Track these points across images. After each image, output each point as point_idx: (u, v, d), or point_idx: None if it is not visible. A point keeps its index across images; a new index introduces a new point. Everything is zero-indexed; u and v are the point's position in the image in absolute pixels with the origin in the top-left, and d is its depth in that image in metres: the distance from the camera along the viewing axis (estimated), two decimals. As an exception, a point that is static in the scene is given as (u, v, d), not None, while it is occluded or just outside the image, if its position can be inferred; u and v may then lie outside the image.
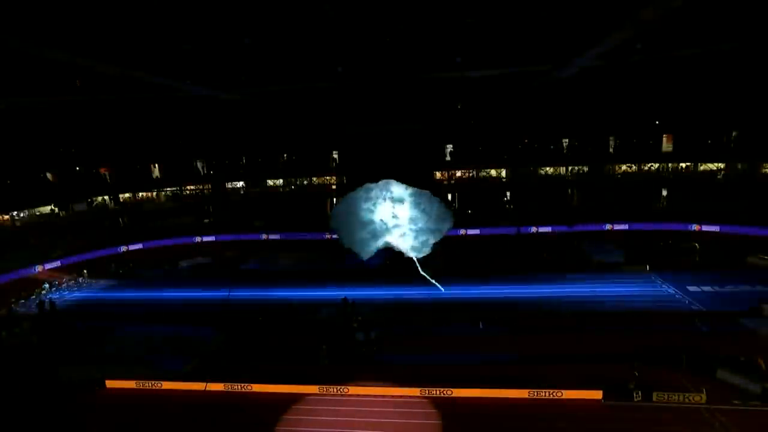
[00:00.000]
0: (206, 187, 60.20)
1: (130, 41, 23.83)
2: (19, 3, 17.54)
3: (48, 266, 43.29)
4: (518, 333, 25.81)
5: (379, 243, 23.10)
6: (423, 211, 25.03)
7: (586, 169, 55.69)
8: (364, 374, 22.24)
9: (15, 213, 47.17)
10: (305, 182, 60.51)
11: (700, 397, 18.85)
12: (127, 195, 56.76)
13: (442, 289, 26.31)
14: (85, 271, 42.02)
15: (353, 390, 20.88)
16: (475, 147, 57.58)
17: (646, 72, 37.31)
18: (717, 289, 30.85)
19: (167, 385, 22.18)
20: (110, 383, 22.60)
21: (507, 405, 19.41)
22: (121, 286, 38.99)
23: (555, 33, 25.98)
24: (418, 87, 40.25)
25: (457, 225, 49.63)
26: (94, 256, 46.39)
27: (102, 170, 55.48)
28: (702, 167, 51.96)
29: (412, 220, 24.83)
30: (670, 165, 52.83)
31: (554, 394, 19.68)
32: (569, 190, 55.79)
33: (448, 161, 57.62)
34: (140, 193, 58.00)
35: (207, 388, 21.81)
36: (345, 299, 29.73)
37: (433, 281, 25.04)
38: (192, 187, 60.04)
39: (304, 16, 22.02)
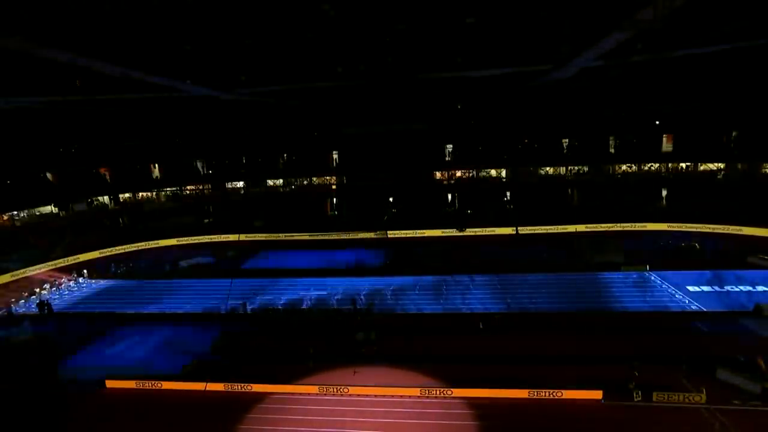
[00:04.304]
0: (206, 187, 60.23)
1: (130, 41, 23.81)
2: (19, 3, 17.53)
3: (48, 266, 43.32)
4: (518, 333, 25.82)
5: None
6: None
7: (586, 169, 55.72)
8: (364, 374, 22.26)
9: (15, 213, 47.19)
10: (305, 182, 60.55)
11: (700, 397, 18.86)
12: (127, 195, 56.82)
13: None
14: (85, 271, 42.03)
15: (353, 390, 20.89)
16: (475, 147, 57.62)
17: (646, 72, 37.25)
18: (717, 289, 30.87)
19: (167, 385, 22.18)
20: (110, 383, 22.59)
21: (507, 405, 19.42)
22: (121, 287, 39.01)
23: (555, 33, 25.96)
24: (418, 87, 40.16)
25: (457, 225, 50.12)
26: (94, 256, 46.49)
27: (102, 170, 55.53)
28: (702, 167, 52.00)
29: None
30: (670, 165, 52.88)
31: (554, 394, 19.67)
32: (569, 190, 55.80)
33: (448, 161, 57.66)
34: (140, 193, 58.04)
35: (207, 388, 21.81)
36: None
37: None
38: (192, 187, 60.07)
39: (304, 16, 22.00)
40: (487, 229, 49.52)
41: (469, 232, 49.28)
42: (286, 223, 53.91)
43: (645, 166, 54.05)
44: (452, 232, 49.74)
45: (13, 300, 34.93)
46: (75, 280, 40.54)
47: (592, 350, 23.37)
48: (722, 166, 50.64)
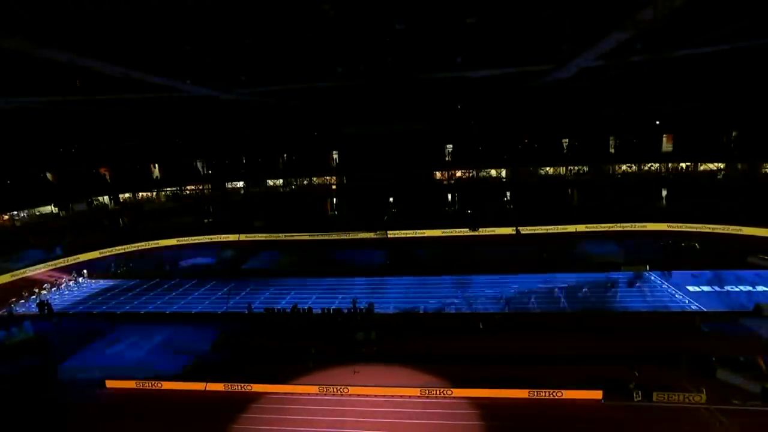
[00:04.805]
0: (206, 187, 60.25)
1: (130, 41, 23.82)
2: (19, 3, 17.54)
3: (48, 266, 43.33)
4: (518, 333, 25.82)
5: None
6: None
7: (586, 169, 55.73)
8: (364, 374, 22.27)
9: (15, 213, 47.18)
10: (305, 182, 60.55)
11: (700, 397, 18.86)
12: (127, 195, 56.82)
13: None
14: (85, 271, 42.02)
15: (353, 390, 20.88)
16: (475, 147, 57.62)
17: (646, 72, 37.26)
18: (717, 289, 30.87)
19: (167, 385, 22.17)
20: (110, 383, 22.59)
21: (507, 405, 19.41)
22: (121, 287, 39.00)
23: (555, 33, 25.98)
24: (418, 87, 40.17)
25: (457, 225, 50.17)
26: (94, 256, 46.52)
27: (102, 170, 55.55)
28: (702, 167, 52.00)
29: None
30: (670, 165, 52.87)
31: (554, 394, 19.67)
32: (569, 190, 55.81)
33: (448, 161, 57.66)
34: (140, 193, 58.05)
35: (207, 388, 21.81)
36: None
37: None
38: (192, 187, 60.09)
39: (304, 16, 22.01)
40: (494, 229, 49.49)
41: (466, 232, 49.32)
42: (286, 223, 53.91)
43: (645, 166, 54.06)
44: (452, 232, 49.77)
45: (13, 300, 34.92)
46: (75, 280, 40.54)
47: (592, 350, 23.38)
48: (722, 166, 50.64)
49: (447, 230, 50.10)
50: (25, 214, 48.32)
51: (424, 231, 50.44)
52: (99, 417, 20.38)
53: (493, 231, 49.24)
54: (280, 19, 22.08)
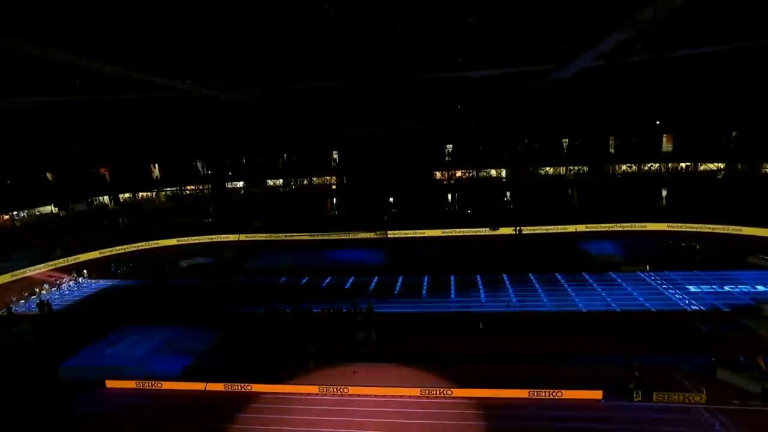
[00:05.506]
0: (206, 187, 60.26)
1: (130, 41, 23.83)
2: (19, 3, 17.53)
3: (48, 266, 43.32)
4: (518, 333, 25.81)
5: None
6: None
7: (586, 169, 55.74)
8: (364, 374, 22.26)
9: (15, 213, 47.18)
10: (305, 182, 60.56)
11: (700, 397, 18.86)
12: (127, 195, 56.82)
13: None
14: (85, 271, 42.02)
15: (353, 390, 20.89)
16: (475, 147, 57.63)
17: (646, 72, 37.26)
18: (717, 289, 30.86)
19: (167, 385, 22.18)
20: (110, 383, 22.59)
21: (507, 405, 19.41)
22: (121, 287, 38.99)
23: (555, 33, 25.98)
24: (418, 87, 40.18)
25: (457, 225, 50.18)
26: (94, 256, 46.49)
27: (102, 170, 55.53)
28: (702, 167, 52.01)
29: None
30: (670, 165, 52.89)
31: (554, 394, 19.66)
32: (569, 190, 55.82)
33: (448, 161, 57.67)
34: (140, 193, 58.05)
35: (207, 388, 21.81)
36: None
37: None
38: (192, 187, 60.09)
39: (304, 16, 22.01)
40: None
41: (468, 232, 49.35)
42: (286, 223, 53.92)
43: (645, 166, 54.06)
44: (452, 232, 49.80)
45: (13, 300, 34.91)
46: (75, 280, 40.54)
47: (592, 350, 23.39)
48: (722, 166, 50.65)
49: (447, 230, 50.04)
50: (25, 214, 48.30)
51: (424, 231, 50.45)
52: (99, 417, 20.37)
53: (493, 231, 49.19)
54: (280, 19, 22.09)
